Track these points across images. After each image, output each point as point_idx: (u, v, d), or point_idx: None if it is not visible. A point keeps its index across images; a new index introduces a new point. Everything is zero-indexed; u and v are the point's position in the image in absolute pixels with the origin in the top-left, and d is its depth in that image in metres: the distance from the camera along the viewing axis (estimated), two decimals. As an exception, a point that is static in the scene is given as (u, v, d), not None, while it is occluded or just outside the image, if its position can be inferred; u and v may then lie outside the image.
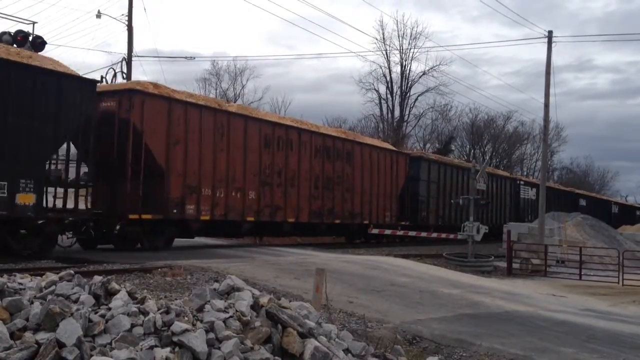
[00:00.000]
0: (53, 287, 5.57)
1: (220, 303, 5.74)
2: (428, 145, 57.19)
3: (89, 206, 15.73)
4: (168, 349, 4.84)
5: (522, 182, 41.94)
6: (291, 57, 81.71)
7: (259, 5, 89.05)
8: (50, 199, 15.30)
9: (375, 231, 26.10)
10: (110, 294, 5.49)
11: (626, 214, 56.68)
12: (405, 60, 52.21)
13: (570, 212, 41.71)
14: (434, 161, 31.82)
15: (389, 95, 53.03)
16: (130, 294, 5.55)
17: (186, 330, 5.00)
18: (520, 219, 36.73)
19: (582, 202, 48.32)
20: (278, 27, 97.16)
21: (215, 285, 6.45)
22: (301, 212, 21.95)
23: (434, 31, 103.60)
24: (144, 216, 16.40)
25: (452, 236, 26.39)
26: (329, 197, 23.37)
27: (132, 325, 5.03)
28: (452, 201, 29.66)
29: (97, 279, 5.67)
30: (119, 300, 5.33)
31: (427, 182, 30.04)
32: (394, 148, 30.54)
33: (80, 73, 16.05)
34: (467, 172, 31.17)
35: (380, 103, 53.29)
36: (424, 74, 52.27)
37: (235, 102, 46.20)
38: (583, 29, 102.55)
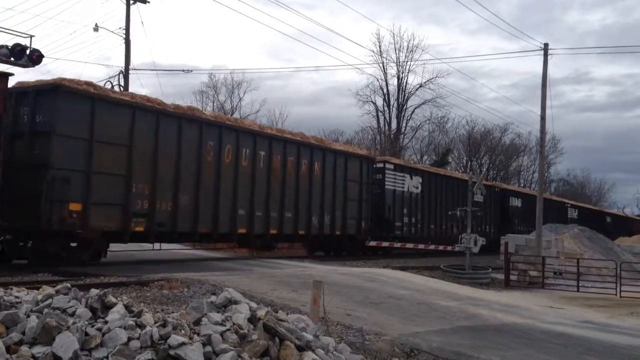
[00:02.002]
0: (49, 301, 5.56)
1: (217, 316, 5.72)
2: (425, 157, 57.39)
3: None
4: (165, 362, 4.83)
5: (389, 166, 26.53)
6: (290, 69, 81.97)
7: (259, 20, 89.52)
8: None
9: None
10: (107, 307, 5.47)
11: (591, 220, 44.88)
12: (402, 73, 52.49)
13: (497, 213, 34.14)
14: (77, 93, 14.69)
15: (385, 108, 53.22)
16: (127, 307, 5.54)
17: (183, 344, 4.98)
18: (384, 222, 25.70)
19: (515, 202, 37.20)
20: (278, 41, 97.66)
21: (213, 298, 6.43)
22: None
23: (433, 44, 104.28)
24: None
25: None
26: None
27: (129, 339, 5.01)
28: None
29: (94, 292, 5.66)
30: (116, 314, 5.32)
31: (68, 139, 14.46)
32: None
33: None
34: (191, 124, 17.21)
35: (377, 115, 53.45)
36: (420, 86, 52.50)
37: (232, 114, 46.27)
38: (581, 41, 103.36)
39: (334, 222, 22.91)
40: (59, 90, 14.45)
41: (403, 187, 27.06)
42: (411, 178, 27.76)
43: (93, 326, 5.14)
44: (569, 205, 46.66)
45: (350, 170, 23.75)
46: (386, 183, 26.04)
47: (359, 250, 24.87)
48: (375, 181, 25.63)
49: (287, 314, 6.81)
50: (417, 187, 28.10)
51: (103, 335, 5.01)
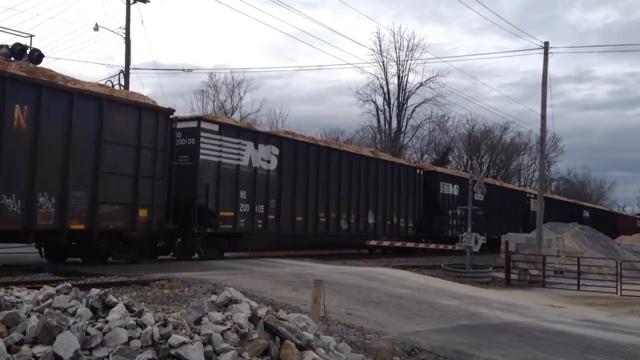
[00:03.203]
0: (50, 300, 5.55)
1: (218, 315, 5.72)
2: (425, 156, 57.44)
3: None
4: (165, 362, 4.82)
5: (209, 127, 18.19)
6: (291, 69, 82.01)
7: (261, 19, 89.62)
8: None
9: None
10: (108, 306, 5.47)
11: (561, 214, 39.49)
12: (402, 72, 52.51)
13: (418, 203, 27.31)
14: None
15: (386, 107, 53.25)
16: (128, 307, 5.53)
17: (184, 343, 4.98)
18: (197, 211, 17.63)
19: (450, 189, 30.58)
20: (279, 40, 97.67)
21: (213, 297, 6.43)
22: None
23: (435, 43, 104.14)
24: None
25: None
26: None
27: (130, 338, 5.00)
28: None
29: (95, 291, 5.65)
30: (116, 313, 5.31)
31: None
32: None
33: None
34: None
35: (377, 114, 53.48)
36: (420, 85, 52.52)
37: (232, 114, 46.28)
38: (583, 40, 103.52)
39: (66, 210, 13.92)
40: None
41: (239, 160, 18.89)
42: (256, 147, 19.45)
43: (94, 326, 5.13)
44: (532, 196, 39.93)
45: (112, 125, 14.89)
46: (202, 152, 17.70)
47: (133, 253, 16.26)
48: (184, 148, 17.48)
49: (288, 313, 6.80)
50: (268, 161, 19.92)
51: (104, 334, 5.00)
